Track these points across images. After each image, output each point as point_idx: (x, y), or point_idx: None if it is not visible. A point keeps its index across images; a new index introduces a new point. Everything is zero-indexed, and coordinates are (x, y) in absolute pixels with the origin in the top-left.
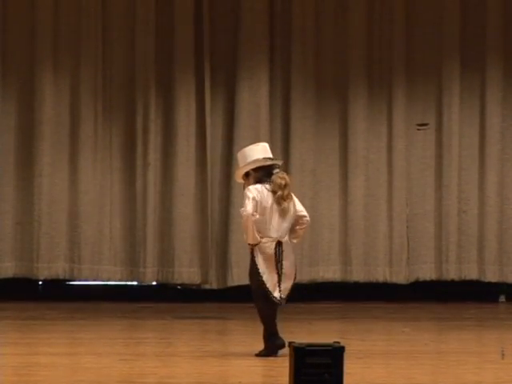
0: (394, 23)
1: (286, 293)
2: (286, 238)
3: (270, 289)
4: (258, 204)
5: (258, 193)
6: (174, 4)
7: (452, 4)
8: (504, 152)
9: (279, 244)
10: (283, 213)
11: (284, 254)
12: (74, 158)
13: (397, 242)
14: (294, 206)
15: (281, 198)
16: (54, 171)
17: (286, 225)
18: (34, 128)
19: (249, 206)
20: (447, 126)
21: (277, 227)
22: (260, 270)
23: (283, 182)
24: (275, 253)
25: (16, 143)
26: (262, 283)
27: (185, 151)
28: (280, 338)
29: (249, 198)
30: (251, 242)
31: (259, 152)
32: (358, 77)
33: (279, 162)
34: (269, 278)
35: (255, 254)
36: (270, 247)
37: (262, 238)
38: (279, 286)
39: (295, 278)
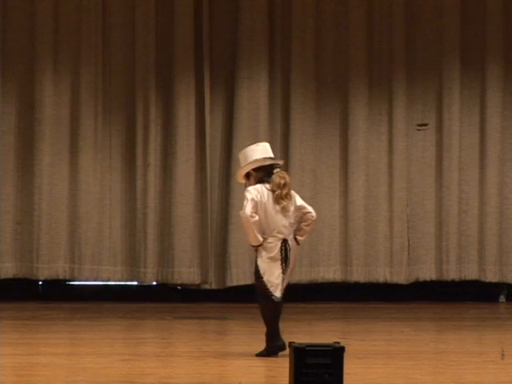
0: (394, 23)
1: (285, 284)
2: (291, 235)
3: (271, 289)
4: (257, 204)
5: (257, 193)
6: (173, 4)
7: (452, 4)
8: (504, 152)
9: (285, 242)
10: (283, 211)
11: (291, 251)
12: (74, 158)
13: (397, 242)
14: (295, 203)
15: (279, 197)
16: (54, 171)
17: (288, 223)
18: (34, 128)
19: (247, 208)
20: (447, 126)
21: (280, 226)
22: (261, 271)
23: (282, 182)
24: (281, 251)
25: (16, 143)
26: (264, 284)
27: (185, 151)
28: (281, 340)
29: (247, 199)
30: (253, 244)
31: (259, 152)
32: (357, 77)
33: (280, 162)
34: (270, 278)
35: (258, 255)
36: (275, 246)
37: (266, 238)
38: (282, 284)
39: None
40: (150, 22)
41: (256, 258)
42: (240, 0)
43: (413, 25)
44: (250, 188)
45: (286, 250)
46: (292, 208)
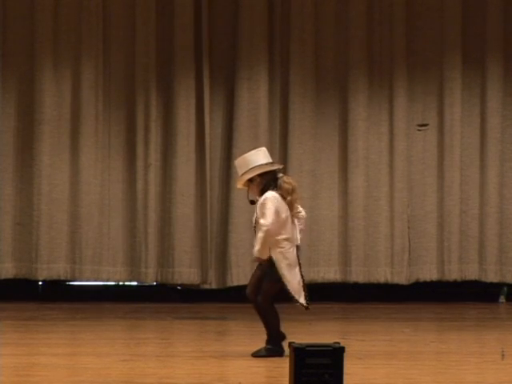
0: (395, 23)
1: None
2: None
3: (296, 296)
4: (278, 213)
5: (277, 202)
6: (173, 4)
7: (453, 5)
8: (504, 152)
9: (297, 248)
10: (295, 217)
11: (299, 257)
12: (75, 158)
13: (398, 242)
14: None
15: (291, 203)
16: (54, 172)
17: (298, 228)
18: (34, 128)
19: (270, 219)
20: (448, 127)
21: (294, 232)
22: (285, 280)
23: (290, 187)
24: (297, 257)
25: (16, 143)
26: (288, 292)
27: (185, 151)
28: (281, 346)
29: (269, 208)
30: (261, 256)
31: (262, 157)
32: (357, 77)
33: (281, 167)
34: (293, 285)
35: (277, 263)
36: (292, 252)
37: (283, 241)
38: (305, 290)
39: None
40: (149, 22)
41: (274, 266)
42: (239, 0)
43: (413, 25)
44: (271, 197)
45: (298, 256)
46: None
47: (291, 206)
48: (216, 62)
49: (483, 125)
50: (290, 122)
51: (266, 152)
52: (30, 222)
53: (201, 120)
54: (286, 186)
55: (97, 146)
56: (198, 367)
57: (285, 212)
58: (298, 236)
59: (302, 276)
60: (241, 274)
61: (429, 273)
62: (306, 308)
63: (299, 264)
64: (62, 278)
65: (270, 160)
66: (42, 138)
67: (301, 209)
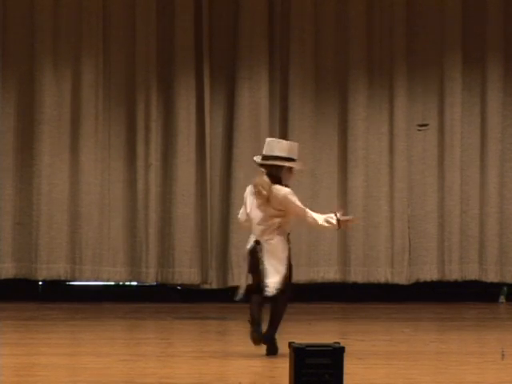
0: (395, 23)
1: (274, 286)
2: (269, 238)
3: (242, 281)
4: (245, 205)
5: (245, 194)
6: (174, 4)
7: (453, 5)
8: (504, 152)
9: (257, 243)
10: (260, 209)
11: (266, 253)
12: (75, 158)
13: (398, 242)
14: (281, 203)
15: (257, 200)
16: (53, 172)
17: (262, 227)
18: (34, 128)
19: (240, 211)
20: (448, 126)
21: (254, 227)
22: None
23: (253, 185)
24: (251, 251)
25: (16, 143)
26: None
27: (185, 151)
28: (256, 332)
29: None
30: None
31: (264, 149)
32: (357, 77)
33: (267, 162)
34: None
35: None
36: (248, 244)
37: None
38: (246, 281)
39: (288, 274)
40: (150, 22)
41: None
42: (239, 0)
43: (413, 25)
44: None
45: (256, 250)
46: (268, 208)
47: (258, 202)
48: (216, 61)
49: (483, 125)
50: (289, 121)
51: (272, 144)
52: (30, 221)
53: (201, 120)
54: (253, 183)
55: (97, 146)
56: (197, 367)
57: (249, 204)
58: (263, 233)
59: (250, 270)
60: (242, 274)
61: (429, 273)
62: (236, 299)
63: (255, 258)
64: (62, 278)
65: (272, 153)
66: (41, 138)
67: (301, 212)
